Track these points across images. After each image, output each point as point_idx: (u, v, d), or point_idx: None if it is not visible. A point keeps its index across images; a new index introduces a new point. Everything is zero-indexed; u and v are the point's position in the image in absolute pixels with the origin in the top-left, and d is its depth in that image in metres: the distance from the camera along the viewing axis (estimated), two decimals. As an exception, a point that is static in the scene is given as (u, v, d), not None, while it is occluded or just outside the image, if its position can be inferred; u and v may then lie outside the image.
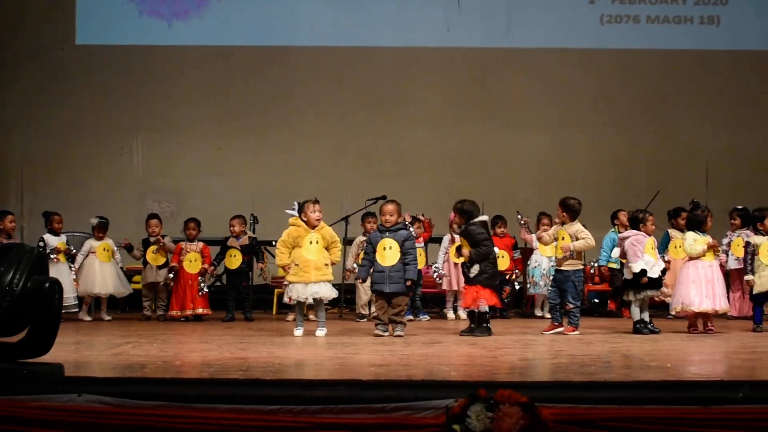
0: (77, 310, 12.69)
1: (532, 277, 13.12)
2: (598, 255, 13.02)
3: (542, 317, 12.86)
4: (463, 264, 10.69)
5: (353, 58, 16.37)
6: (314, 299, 10.40)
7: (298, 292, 10.31)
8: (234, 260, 12.99)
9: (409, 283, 10.29)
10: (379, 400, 5.65)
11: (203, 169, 16.17)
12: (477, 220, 10.53)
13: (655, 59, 16.53)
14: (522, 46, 16.48)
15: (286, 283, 10.80)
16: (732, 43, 16.49)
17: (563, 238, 10.54)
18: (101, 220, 13.13)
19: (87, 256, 13.01)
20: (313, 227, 10.38)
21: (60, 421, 5.52)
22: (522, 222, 12.23)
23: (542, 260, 12.95)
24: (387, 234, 10.34)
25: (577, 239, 10.42)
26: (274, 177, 15.87)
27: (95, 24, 16.29)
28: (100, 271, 12.99)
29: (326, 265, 10.34)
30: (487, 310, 10.39)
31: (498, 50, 16.47)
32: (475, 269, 10.37)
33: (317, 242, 10.33)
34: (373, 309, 12.01)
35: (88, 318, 12.86)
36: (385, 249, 10.25)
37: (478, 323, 10.33)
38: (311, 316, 11.87)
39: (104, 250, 13.06)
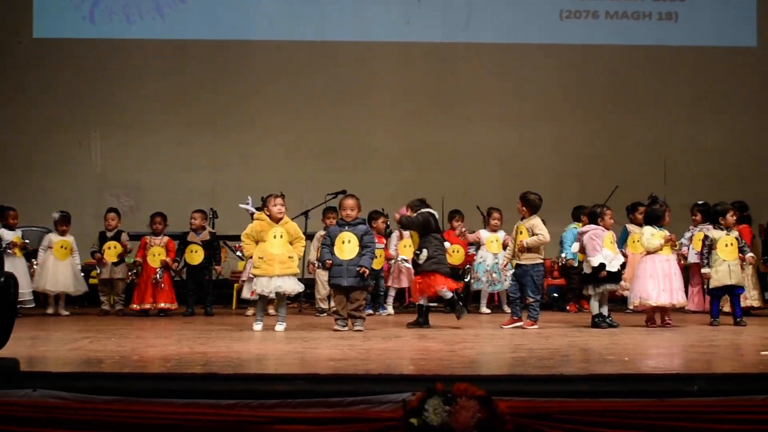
0: (33, 305, 12.60)
1: (476, 272, 13.15)
2: (558, 250, 13.20)
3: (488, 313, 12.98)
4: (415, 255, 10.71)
5: (312, 53, 16.36)
6: (277, 294, 10.37)
7: (262, 285, 10.25)
8: (195, 256, 12.95)
9: (361, 270, 10.17)
10: (336, 394, 5.66)
11: (162, 164, 16.12)
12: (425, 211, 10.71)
13: (614, 55, 16.63)
14: (482, 41, 16.53)
15: (249, 276, 10.73)
16: (690, 39, 16.62)
17: (521, 233, 10.58)
18: (62, 214, 13.05)
19: (46, 251, 12.94)
20: (277, 221, 10.34)
21: (15, 416, 5.50)
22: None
23: (487, 256, 13.05)
24: (346, 228, 10.33)
25: (534, 234, 10.48)
26: (233, 171, 15.85)
27: (52, 17, 16.19)
28: (53, 268, 12.90)
29: (290, 258, 10.29)
30: (452, 295, 10.60)
31: (458, 45, 16.54)
32: (424, 255, 10.46)
33: (281, 236, 10.27)
34: (332, 303, 12.05)
35: (50, 311, 12.81)
36: (343, 243, 10.24)
37: (451, 307, 10.72)
38: (271, 311, 11.89)
39: (62, 247, 12.95)
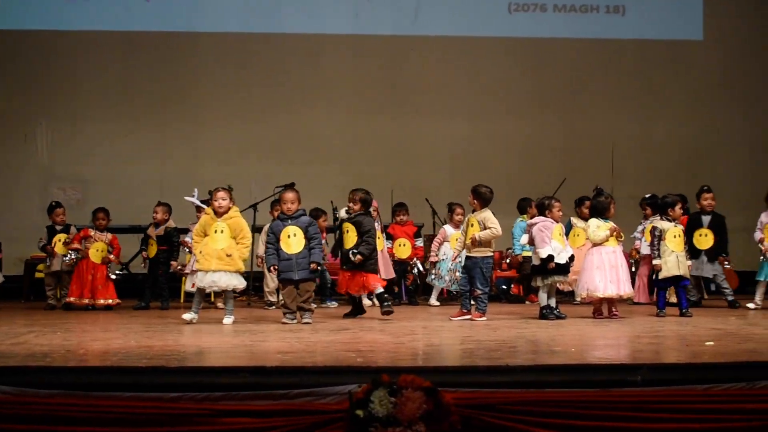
0: None
1: (438, 269, 13.17)
2: (510, 243, 13.28)
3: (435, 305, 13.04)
4: (349, 250, 10.71)
5: (261, 45, 16.35)
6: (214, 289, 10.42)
7: (199, 279, 10.24)
8: (151, 249, 12.94)
9: (313, 266, 10.23)
10: (283, 387, 5.67)
11: (110, 156, 16.01)
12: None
13: (562, 48, 16.73)
14: (431, 34, 16.57)
15: (191, 269, 10.69)
16: (637, 32, 16.75)
17: (472, 225, 10.60)
18: None
19: None
20: (220, 216, 10.31)
21: (-43, 411, 5.47)
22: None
23: (450, 254, 12.95)
24: (289, 222, 10.31)
25: (485, 227, 10.50)
26: (181, 163, 15.80)
27: (2, 8, 16.05)
28: None
29: (229, 255, 10.19)
30: (383, 290, 10.76)
31: (407, 38, 16.56)
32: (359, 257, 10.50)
33: (222, 231, 10.19)
34: (281, 297, 12.06)
35: None
36: (289, 237, 10.20)
37: (381, 304, 10.65)
38: (219, 305, 11.89)
39: None
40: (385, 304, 10.69)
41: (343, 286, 10.91)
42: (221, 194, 10.29)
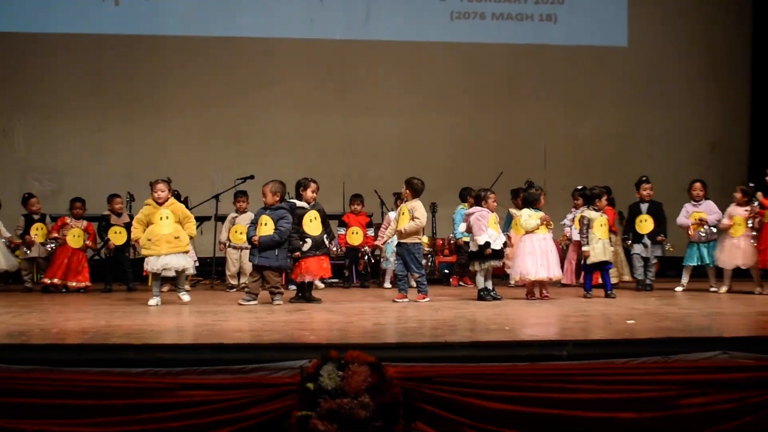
0: None
1: (385, 252, 13.22)
2: (452, 230, 13.35)
3: (389, 288, 12.96)
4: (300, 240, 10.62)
5: (221, 47, 16.22)
6: (176, 271, 10.38)
7: (152, 264, 10.22)
8: (119, 236, 12.91)
9: (255, 239, 10.18)
10: (239, 362, 5.69)
11: (82, 150, 15.88)
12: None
13: (499, 52, 16.74)
14: (379, 39, 16.52)
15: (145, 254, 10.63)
16: (567, 39, 16.79)
17: (404, 213, 10.67)
18: None
19: None
20: (161, 203, 10.30)
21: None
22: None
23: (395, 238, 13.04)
24: (267, 212, 10.32)
25: (413, 218, 10.56)
26: (148, 156, 15.66)
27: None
28: None
29: (177, 238, 10.23)
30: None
31: (357, 42, 16.50)
32: (308, 244, 10.49)
33: (167, 217, 10.23)
34: (243, 280, 12.04)
35: None
36: (261, 225, 10.25)
37: (309, 291, 10.64)
38: (187, 287, 11.93)
39: None
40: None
41: (304, 273, 10.68)
42: (161, 186, 10.36)
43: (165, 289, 11.94)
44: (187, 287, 10.71)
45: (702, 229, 11.95)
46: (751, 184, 11.91)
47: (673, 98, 16.93)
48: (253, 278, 10.35)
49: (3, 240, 12.92)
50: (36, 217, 13.11)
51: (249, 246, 10.56)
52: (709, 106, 17.04)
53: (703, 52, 17.06)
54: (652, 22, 16.92)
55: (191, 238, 10.57)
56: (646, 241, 12.20)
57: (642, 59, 16.94)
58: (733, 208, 11.74)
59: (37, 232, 12.97)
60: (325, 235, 10.67)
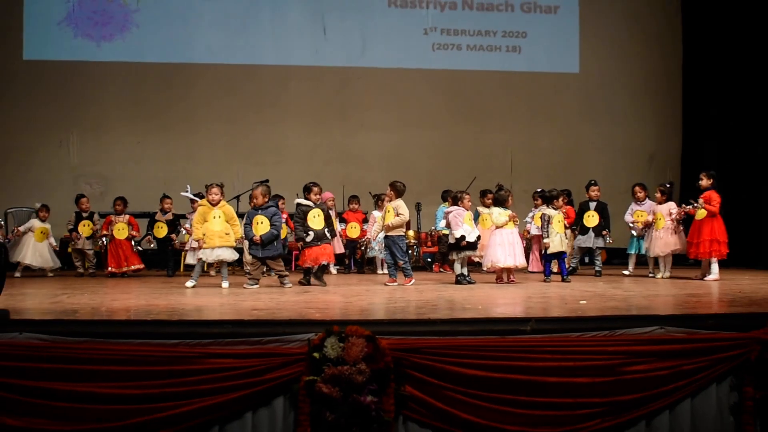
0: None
1: (371, 244, 13.23)
2: (434, 224, 13.38)
3: (382, 273, 12.91)
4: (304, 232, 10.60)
5: (242, 73, 16.18)
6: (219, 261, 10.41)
7: (207, 255, 10.29)
8: (161, 230, 13.00)
9: (256, 238, 10.19)
10: (256, 335, 5.68)
11: (125, 158, 15.82)
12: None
13: (473, 77, 16.71)
14: (373, 66, 16.49)
15: (191, 246, 10.63)
16: (529, 66, 16.76)
17: (389, 211, 10.66)
18: (44, 205, 13.02)
19: (27, 232, 12.83)
20: (215, 204, 10.31)
21: (5, 353, 5.45)
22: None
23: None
24: (259, 212, 10.32)
25: (398, 213, 10.56)
26: (180, 164, 15.61)
27: (39, 43, 15.79)
28: (33, 247, 12.85)
29: (227, 234, 10.28)
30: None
31: (355, 68, 16.45)
32: (311, 236, 10.46)
33: (219, 217, 10.29)
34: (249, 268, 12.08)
35: (18, 275, 12.65)
36: (258, 224, 10.25)
37: (321, 273, 10.57)
38: (211, 272, 11.92)
39: (41, 232, 12.97)
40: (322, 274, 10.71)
41: (310, 260, 10.64)
42: (215, 189, 10.43)
43: (212, 273, 11.95)
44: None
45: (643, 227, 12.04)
46: (668, 184, 12.01)
47: (617, 115, 16.94)
48: (255, 266, 10.41)
49: (53, 242, 13.00)
50: (84, 214, 13.17)
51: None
52: (647, 122, 17.04)
53: (641, 76, 17.05)
54: (599, 52, 16.92)
55: (238, 239, 10.61)
56: (591, 233, 12.28)
57: (591, 83, 16.95)
58: (655, 206, 11.82)
59: (83, 228, 13.04)
60: (326, 230, 10.63)
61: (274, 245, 10.28)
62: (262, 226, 10.22)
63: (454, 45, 16.70)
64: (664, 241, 11.56)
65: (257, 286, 10.11)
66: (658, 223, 11.62)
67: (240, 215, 12.49)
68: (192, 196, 11.43)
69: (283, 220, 12.01)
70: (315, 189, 10.76)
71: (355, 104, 16.61)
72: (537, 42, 16.83)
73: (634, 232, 12.17)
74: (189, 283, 10.21)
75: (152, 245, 13.00)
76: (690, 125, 16.83)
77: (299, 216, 10.57)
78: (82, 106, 15.91)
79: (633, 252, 12.30)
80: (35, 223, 12.95)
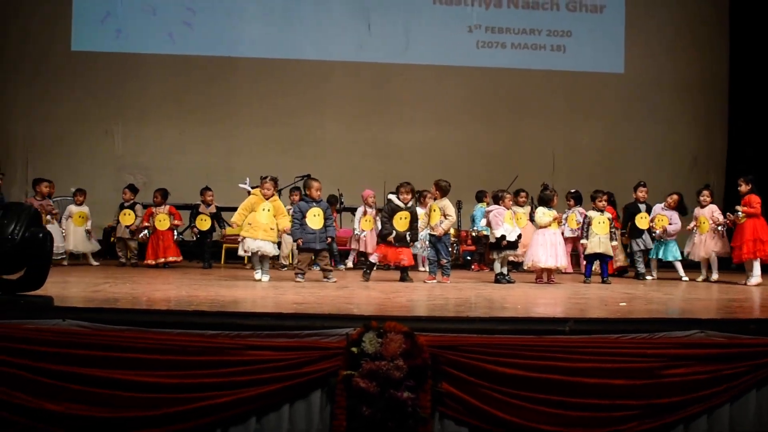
0: (60, 257, 12.66)
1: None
2: (470, 224, 13.38)
3: (423, 270, 12.92)
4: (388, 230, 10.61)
5: (283, 67, 16.31)
6: (258, 253, 10.38)
7: (248, 244, 10.32)
8: (204, 223, 13.14)
9: (329, 240, 10.34)
10: (296, 328, 5.71)
11: (168, 150, 16.03)
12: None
13: (516, 75, 16.70)
14: (416, 63, 16.53)
15: (240, 239, 10.73)
16: (574, 65, 16.73)
17: (435, 210, 10.63)
18: (79, 189, 13.19)
19: (67, 219, 13.06)
20: (267, 198, 10.37)
21: (48, 339, 5.51)
22: None
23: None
24: (314, 204, 10.35)
25: (445, 215, 10.54)
26: (221, 157, 15.80)
27: (86, 35, 16.07)
28: (73, 233, 13.05)
29: (272, 229, 10.32)
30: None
31: (398, 65, 16.51)
32: (392, 235, 10.52)
33: (268, 210, 10.31)
34: (295, 261, 12.12)
35: (65, 263, 12.84)
36: (314, 216, 10.27)
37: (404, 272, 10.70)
38: (248, 267, 12.08)
39: (79, 216, 13.17)
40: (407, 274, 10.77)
41: (390, 258, 10.71)
42: (268, 184, 10.47)
43: (248, 266, 12.04)
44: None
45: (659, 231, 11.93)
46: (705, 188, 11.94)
47: (660, 116, 16.83)
48: (303, 260, 10.45)
49: (89, 226, 13.19)
50: (126, 204, 13.33)
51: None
52: (691, 124, 16.94)
53: (687, 78, 16.93)
54: (644, 52, 16.83)
55: (284, 231, 10.61)
56: (646, 234, 12.13)
57: (635, 83, 16.85)
58: (697, 210, 11.70)
59: (124, 217, 13.22)
60: (408, 233, 10.60)
61: (326, 239, 10.36)
62: (317, 218, 10.27)
63: (498, 43, 16.68)
64: (707, 244, 11.44)
65: (303, 279, 10.18)
66: (702, 227, 11.50)
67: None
68: (250, 189, 11.54)
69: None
70: (406, 188, 10.77)
71: (395, 100, 16.64)
72: (582, 41, 16.78)
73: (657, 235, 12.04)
74: (257, 275, 10.27)
75: (195, 237, 13.13)
76: (735, 128, 16.69)
77: (387, 213, 10.66)
78: (127, 98, 16.14)
79: (653, 257, 12.13)
80: (72, 208, 13.16)
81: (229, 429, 5.52)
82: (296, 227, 10.33)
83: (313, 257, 10.48)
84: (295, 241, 10.68)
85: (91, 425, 5.41)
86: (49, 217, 12.36)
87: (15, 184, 15.64)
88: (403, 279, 10.58)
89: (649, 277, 11.90)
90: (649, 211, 12.22)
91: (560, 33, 16.75)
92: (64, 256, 12.88)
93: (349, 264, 13.31)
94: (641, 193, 12.29)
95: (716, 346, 5.76)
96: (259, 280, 10.12)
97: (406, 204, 10.68)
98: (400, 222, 10.58)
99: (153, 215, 13.02)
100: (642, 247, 12.05)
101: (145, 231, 13.00)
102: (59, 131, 15.93)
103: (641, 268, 11.94)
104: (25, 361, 5.44)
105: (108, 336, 5.53)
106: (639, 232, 12.05)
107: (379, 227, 11.25)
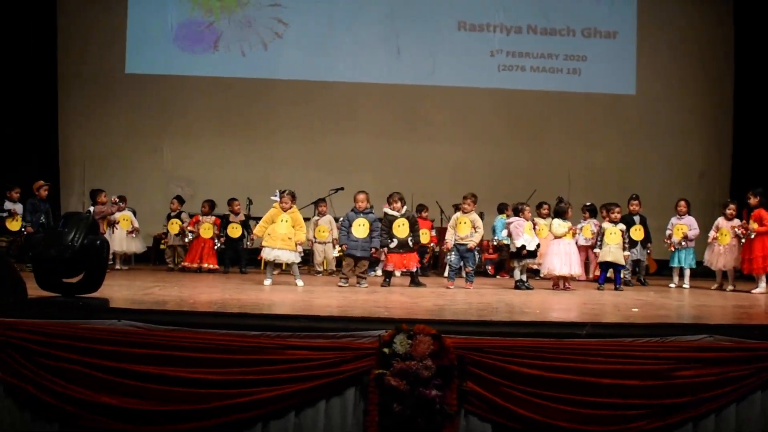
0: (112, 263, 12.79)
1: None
2: (491, 235, 13.37)
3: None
4: (389, 239, 10.60)
5: (320, 89, 16.36)
6: (276, 261, 10.50)
7: (266, 253, 10.39)
8: (235, 231, 13.24)
9: (374, 251, 10.43)
10: (332, 330, 5.72)
11: (212, 165, 16.10)
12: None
13: (535, 97, 16.66)
14: (442, 84, 16.55)
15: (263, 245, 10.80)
16: (588, 87, 16.66)
17: (465, 223, 10.60)
18: (120, 195, 13.22)
19: (114, 224, 13.18)
20: (285, 210, 10.42)
21: (104, 338, 5.57)
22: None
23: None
24: (360, 215, 10.40)
25: (475, 228, 10.56)
26: (262, 171, 15.84)
27: (139, 58, 16.23)
28: (119, 235, 13.15)
29: (289, 238, 10.34)
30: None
31: (424, 87, 16.53)
32: (394, 243, 10.50)
33: (286, 221, 10.37)
34: (322, 267, 12.12)
35: (118, 267, 12.99)
36: (360, 226, 10.34)
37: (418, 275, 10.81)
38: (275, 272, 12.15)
39: (124, 219, 13.30)
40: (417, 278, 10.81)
41: (398, 265, 10.73)
42: (287, 197, 10.50)
43: (276, 272, 12.09)
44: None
45: (680, 239, 11.83)
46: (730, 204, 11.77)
47: (670, 135, 16.75)
48: (349, 266, 10.45)
49: (136, 227, 13.34)
50: (173, 214, 13.48)
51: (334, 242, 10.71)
52: (699, 142, 16.84)
53: (695, 98, 16.87)
54: (655, 75, 16.75)
55: (299, 243, 10.58)
56: (639, 246, 12.12)
57: (646, 103, 16.78)
58: (722, 221, 11.52)
59: (172, 226, 13.41)
60: (410, 238, 10.60)
61: (370, 249, 10.42)
62: (362, 228, 10.32)
63: (518, 66, 16.65)
64: (726, 256, 11.30)
65: (348, 285, 10.21)
66: (723, 238, 11.36)
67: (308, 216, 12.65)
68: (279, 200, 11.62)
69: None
70: (395, 197, 10.76)
71: (423, 119, 16.65)
72: (596, 65, 16.71)
73: (669, 243, 11.97)
74: (266, 282, 10.29)
75: (221, 246, 13.23)
76: (739, 145, 16.59)
77: (385, 224, 10.64)
78: (175, 116, 16.28)
79: (674, 265, 12.03)
80: (116, 214, 13.23)
81: (269, 423, 5.53)
82: (343, 234, 10.44)
83: (354, 264, 10.49)
84: (340, 246, 10.74)
85: (144, 417, 5.45)
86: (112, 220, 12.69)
87: (73, 195, 15.84)
88: (413, 283, 10.60)
89: (672, 285, 11.82)
90: (643, 222, 12.22)
91: (576, 57, 16.69)
92: (113, 261, 13.01)
93: (379, 272, 13.29)
94: (632, 207, 12.27)
95: (724, 350, 5.71)
96: (268, 284, 10.15)
97: (399, 212, 10.69)
98: (400, 229, 10.58)
99: (199, 222, 13.13)
100: (633, 258, 12.05)
101: (190, 236, 13.11)
102: (113, 147, 16.07)
103: (627, 276, 11.92)
104: (84, 358, 5.50)
105: (160, 336, 5.56)
106: (633, 243, 11.98)
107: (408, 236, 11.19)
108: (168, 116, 16.22)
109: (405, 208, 10.80)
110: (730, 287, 11.22)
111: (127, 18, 16.18)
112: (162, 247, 13.64)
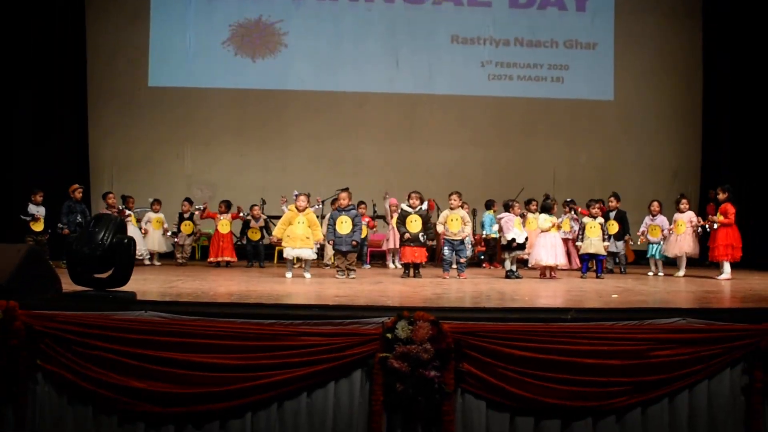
0: (141, 257, 12.89)
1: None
2: (480, 229, 13.38)
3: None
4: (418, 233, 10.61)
5: (327, 98, 16.34)
6: (298, 258, 10.63)
7: (288, 252, 10.43)
8: (255, 234, 13.44)
9: (354, 243, 10.38)
10: (339, 317, 5.72)
11: (230, 169, 16.08)
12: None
13: (522, 103, 16.62)
14: (437, 93, 16.52)
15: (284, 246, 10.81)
16: (571, 94, 16.62)
17: (456, 220, 10.60)
18: (156, 199, 13.49)
19: (146, 224, 13.34)
20: (301, 211, 10.41)
21: (132, 328, 5.57)
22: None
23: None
24: (342, 213, 10.42)
25: (464, 222, 10.59)
26: (275, 175, 15.82)
27: (161, 72, 16.20)
28: (152, 235, 13.34)
29: (308, 238, 10.36)
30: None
31: (422, 95, 16.51)
32: (407, 235, 10.50)
33: (303, 222, 10.37)
34: (335, 262, 12.12)
35: (148, 263, 13.16)
36: (342, 223, 10.35)
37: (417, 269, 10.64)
38: (296, 265, 12.11)
39: (157, 221, 13.44)
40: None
41: (410, 257, 10.64)
42: (302, 198, 10.47)
43: (297, 265, 12.12)
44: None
45: (659, 239, 11.90)
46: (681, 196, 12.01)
47: (646, 136, 16.73)
48: (340, 259, 10.49)
49: (165, 231, 13.46)
50: (186, 216, 13.60)
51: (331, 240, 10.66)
52: (672, 143, 16.81)
53: (667, 103, 16.84)
54: (631, 82, 16.72)
55: (318, 242, 10.68)
56: (613, 239, 12.13)
57: (623, 108, 16.75)
58: (678, 214, 11.72)
59: (185, 227, 13.53)
60: (421, 234, 10.58)
61: (352, 243, 10.38)
62: (345, 224, 10.32)
63: (506, 76, 16.62)
64: (680, 244, 11.48)
65: (345, 276, 10.22)
66: (678, 228, 11.52)
67: (321, 217, 12.69)
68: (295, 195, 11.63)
69: (364, 223, 12.19)
70: (413, 195, 10.76)
71: (421, 125, 16.62)
72: (577, 73, 16.69)
73: (640, 237, 12.06)
74: (288, 275, 10.34)
75: (240, 242, 13.45)
76: (708, 145, 16.61)
77: (399, 219, 10.71)
78: (195, 126, 16.25)
79: (650, 256, 12.10)
80: (150, 215, 13.45)
81: (284, 403, 5.54)
82: (330, 231, 10.45)
83: (344, 257, 10.50)
84: (328, 242, 10.76)
85: (169, 399, 5.46)
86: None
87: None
88: (414, 275, 10.58)
89: (649, 273, 11.87)
90: (621, 217, 12.33)
91: (559, 67, 16.67)
92: (146, 256, 13.16)
93: (398, 264, 13.23)
94: (611, 203, 12.41)
95: (695, 331, 5.71)
96: (305, 277, 10.16)
97: (415, 209, 10.67)
98: (412, 224, 10.58)
99: (215, 218, 13.33)
100: (612, 250, 12.10)
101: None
102: (139, 154, 16.07)
103: (609, 266, 12.10)
104: (115, 346, 5.51)
105: (183, 325, 5.57)
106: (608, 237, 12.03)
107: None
108: (189, 125, 16.20)
109: (421, 206, 10.78)
110: (681, 273, 11.33)
111: (150, 36, 16.17)
112: (173, 244, 13.74)
